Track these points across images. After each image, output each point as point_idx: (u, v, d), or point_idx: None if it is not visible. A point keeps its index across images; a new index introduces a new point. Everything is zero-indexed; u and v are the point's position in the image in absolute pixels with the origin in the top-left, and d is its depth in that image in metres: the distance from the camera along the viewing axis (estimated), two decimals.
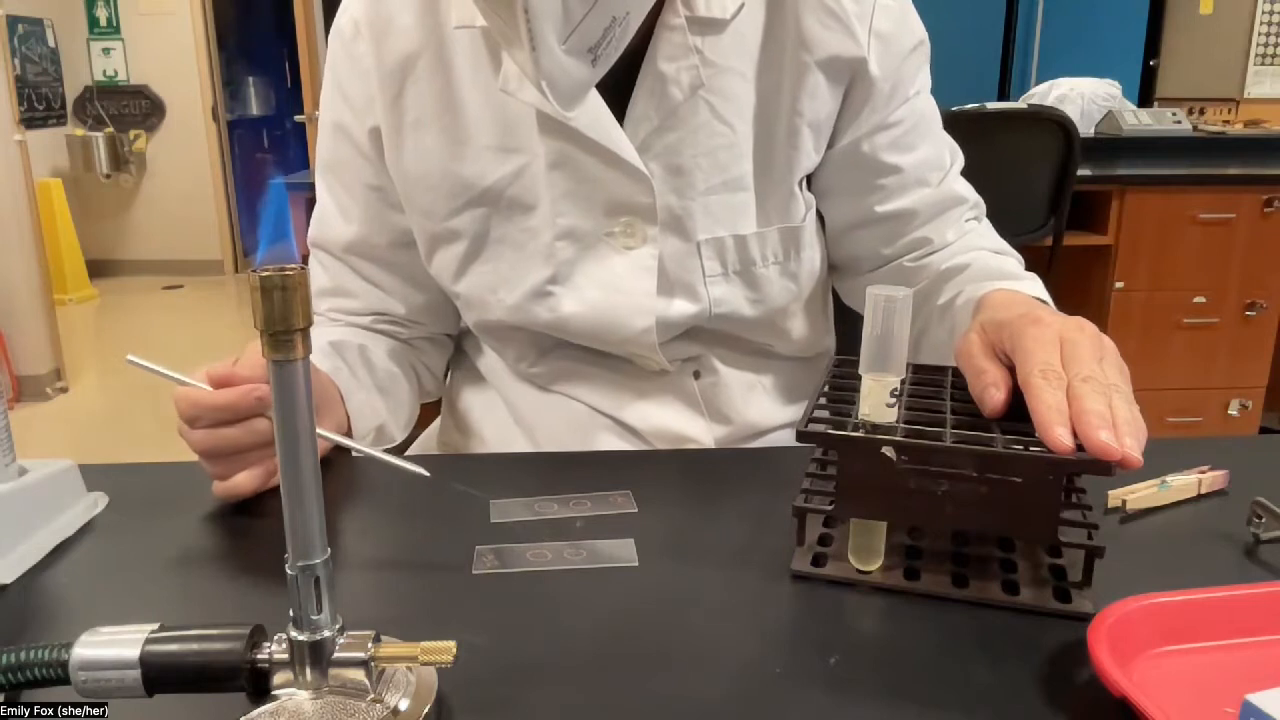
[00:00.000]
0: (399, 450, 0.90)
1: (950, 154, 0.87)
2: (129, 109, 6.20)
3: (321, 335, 0.81)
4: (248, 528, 0.62)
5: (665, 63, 0.74)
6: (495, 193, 0.78)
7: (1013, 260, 0.84)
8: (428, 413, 0.98)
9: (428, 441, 0.99)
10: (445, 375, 0.97)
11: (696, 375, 0.85)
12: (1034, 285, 0.76)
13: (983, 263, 0.82)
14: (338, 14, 0.81)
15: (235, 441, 0.62)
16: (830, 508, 0.53)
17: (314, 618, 0.38)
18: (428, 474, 0.61)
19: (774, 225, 0.80)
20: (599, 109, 0.73)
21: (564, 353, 0.84)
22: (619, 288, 0.78)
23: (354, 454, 0.71)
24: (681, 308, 0.80)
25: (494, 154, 0.77)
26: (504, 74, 0.73)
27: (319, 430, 0.61)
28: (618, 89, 0.73)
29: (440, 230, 0.80)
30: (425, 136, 0.78)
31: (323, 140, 0.85)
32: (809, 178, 0.83)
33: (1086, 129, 2.84)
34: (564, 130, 0.74)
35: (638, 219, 0.77)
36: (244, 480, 0.63)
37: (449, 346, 0.95)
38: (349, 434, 0.76)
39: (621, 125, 0.74)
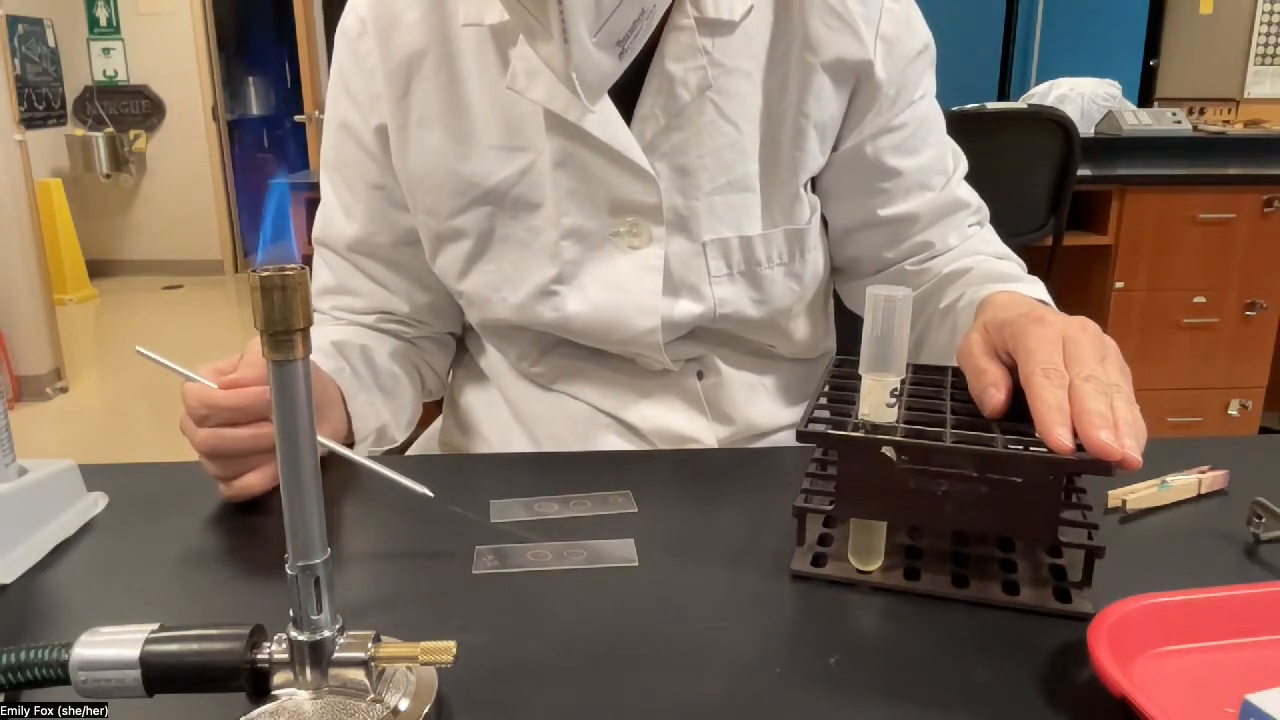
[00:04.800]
0: (401, 450, 0.90)
1: (954, 158, 0.87)
2: (129, 109, 6.20)
3: (324, 335, 0.81)
4: (248, 528, 0.62)
5: (673, 63, 0.73)
6: (500, 191, 0.78)
7: (1014, 265, 0.84)
8: (428, 412, 0.98)
9: (429, 441, 0.99)
10: (448, 374, 0.97)
11: (700, 375, 0.85)
12: (1036, 288, 0.76)
13: (985, 267, 0.82)
14: (344, 12, 0.81)
15: (240, 444, 0.62)
16: (830, 508, 0.53)
17: (314, 618, 0.38)
18: (431, 494, 0.61)
19: (779, 226, 0.80)
20: (606, 108, 0.73)
21: (566, 351, 0.84)
22: (624, 287, 0.78)
23: (358, 464, 0.71)
24: (686, 308, 0.80)
25: (499, 153, 0.77)
26: (511, 72, 0.73)
27: (325, 442, 0.62)
28: (625, 89, 0.73)
29: (445, 229, 0.80)
30: (430, 135, 0.78)
31: (327, 138, 0.85)
32: (813, 180, 0.83)
33: (1086, 129, 2.84)
34: (570, 129, 0.74)
35: (643, 218, 0.77)
36: (253, 480, 0.63)
37: (452, 346, 0.95)
38: (349, 435, 0.76)
39: (628, 125, 0.74)
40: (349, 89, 0.81)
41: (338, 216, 0.85)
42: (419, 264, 0.85)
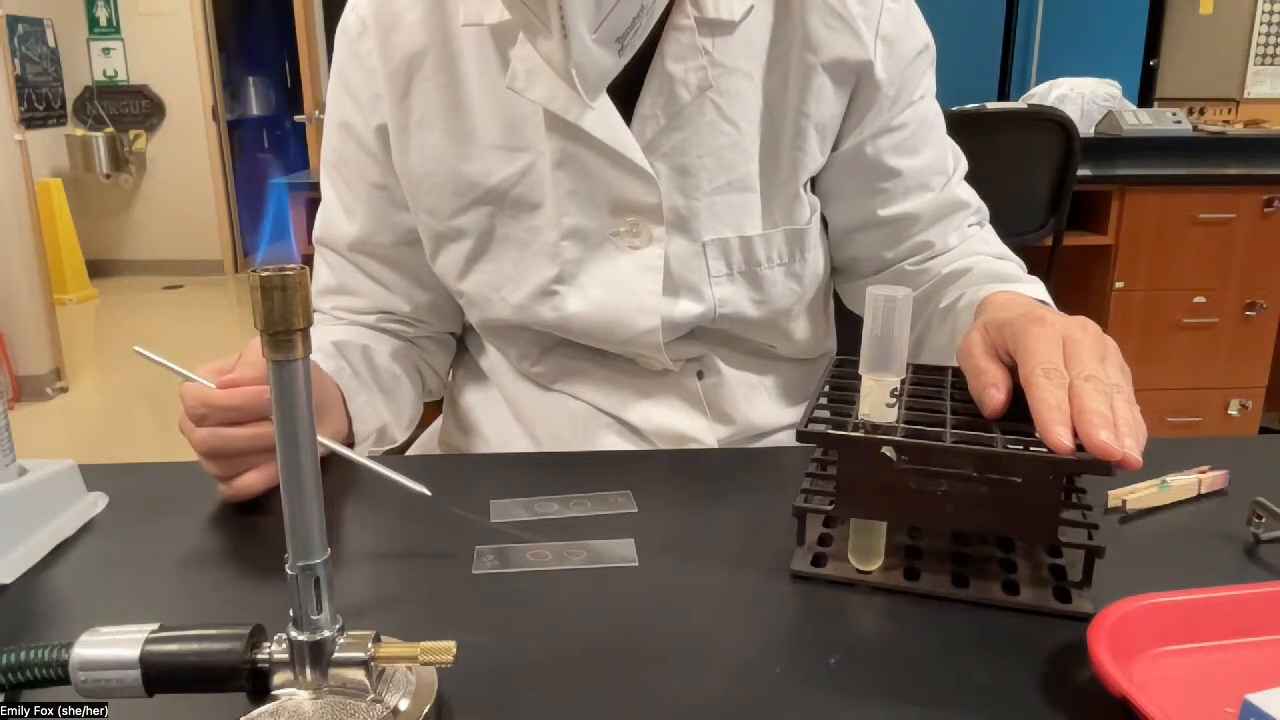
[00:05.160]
0: (401, 450, 0.90)
1: (954, 159, 0.87)
2: (129, 109, 6.20)
3: (325, 335, 0.81)
4: (248, 528, 0.62)
5: (673, 63, 0.73)
6: (500, 191, 0.78)
7: (1014, 265, 0.84)
8: (429, 412, 0.98)
9: (429, 441, 0.99)
10: (448, 374, 0.97)
11: (700, 375, 0.85)
12: (1036, 288, 0.76)
13: (984, 267, 0.82)
14: (344, 12, 0.81)
15: (238, 443, 0.62)
16: (830, 508, 0.53)
17: (314, 618, 0.38)
18: (429, 493, 0.61)
19: (779, 226, 0.80)
20: (606, 108, 0.73)
21: (567, 351, 0.84)
22: (624, 287, 0.78)
23: (357, 463, 0.71)
24: (686, 308, 0.80)
25: (499, 153, 0.77)
26: (511, 72, 0.73)
27: (324, 440, 0.62)
28: (625, 89, 0.73)
29: (445, 229, 0.80)
30: (430, 135, 0.78)
31: (328, 138, 0.85)
32: (813, 180, 0.83)
33: (1086, 129, 2.83)
34: (570, 129, 0.74)
35: (643, 219, 0.77)
36: (252, 480, 0.63)
37: (453, 346, 0.95)
38: (349, 436, 0.76)
39: (628, 125, 0.74)
40: (349, 89, 0.81)
41: (338, 216, 0.86)
42: (419, 264, 0.85)
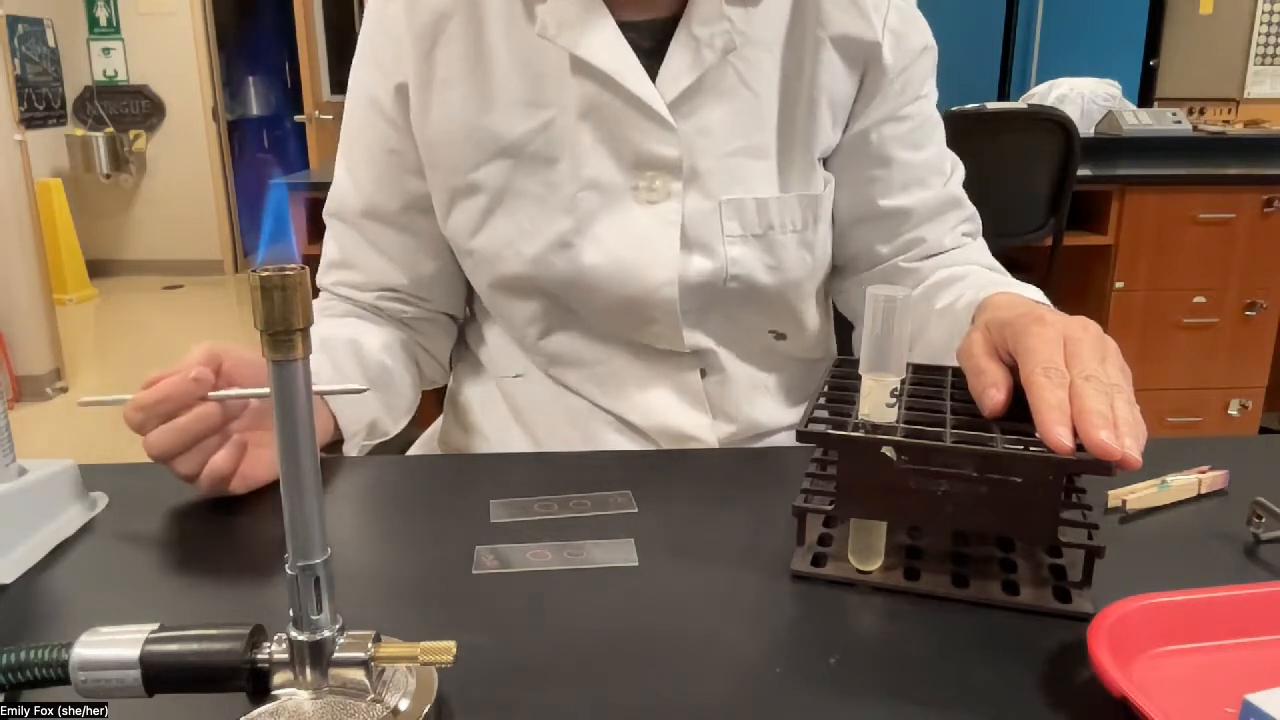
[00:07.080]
0: (401, 450, 0.90)
1: (952, 164, 0.90)
2: (129, 109, 6.20)
3: (314, 330, 0.81)
4: (248, 528, 0.62)
5: (700, 26, 0.77)
6: (520, 145, 0.79)
7: (1008, 277, 0.86)
8: (429, 412, 0.98)
9: (429, 441, 0.99)
10: (449, 361, 0.97)
11: (703, 373, 0.85)
12: (1035, 293, 0.77)
13: (980, 275, 0.83)
14: None
15: (187, 429, 0.60)
16: (830, 508, 0.53)
17: (314, 618, 0.38)
18: (366, 388, 0.65)
19: (794, 192, 0.82)
20: (633, 64, 0.76)
21: (572, 333, 0.84)
22: (641, 240, 0.79)
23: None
24: (699, 265, 0.80)
25: (522, 108, 0.79)
26: (541, 22, 0.75)
27: (240, 391, 0.61)
28: (651, 52, 0.77)
29: (461, 184, 0.81)
30: (453, 94, 0.80)
31: (347, 114, 0.87)
32: (823, 163, 0.85)
33: (1086, 129, 2.83)
34: (597, 77, 0.76)
35: (663, 173, 0.78)
36: (222, 460, 0.61)
37: (453, 331, 0.95)
38: (336, 432, 0.76)
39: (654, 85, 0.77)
40: (374, 53, 0.83)
41: (347, 186, 0.87)
42: (425, 232, 0.86)
